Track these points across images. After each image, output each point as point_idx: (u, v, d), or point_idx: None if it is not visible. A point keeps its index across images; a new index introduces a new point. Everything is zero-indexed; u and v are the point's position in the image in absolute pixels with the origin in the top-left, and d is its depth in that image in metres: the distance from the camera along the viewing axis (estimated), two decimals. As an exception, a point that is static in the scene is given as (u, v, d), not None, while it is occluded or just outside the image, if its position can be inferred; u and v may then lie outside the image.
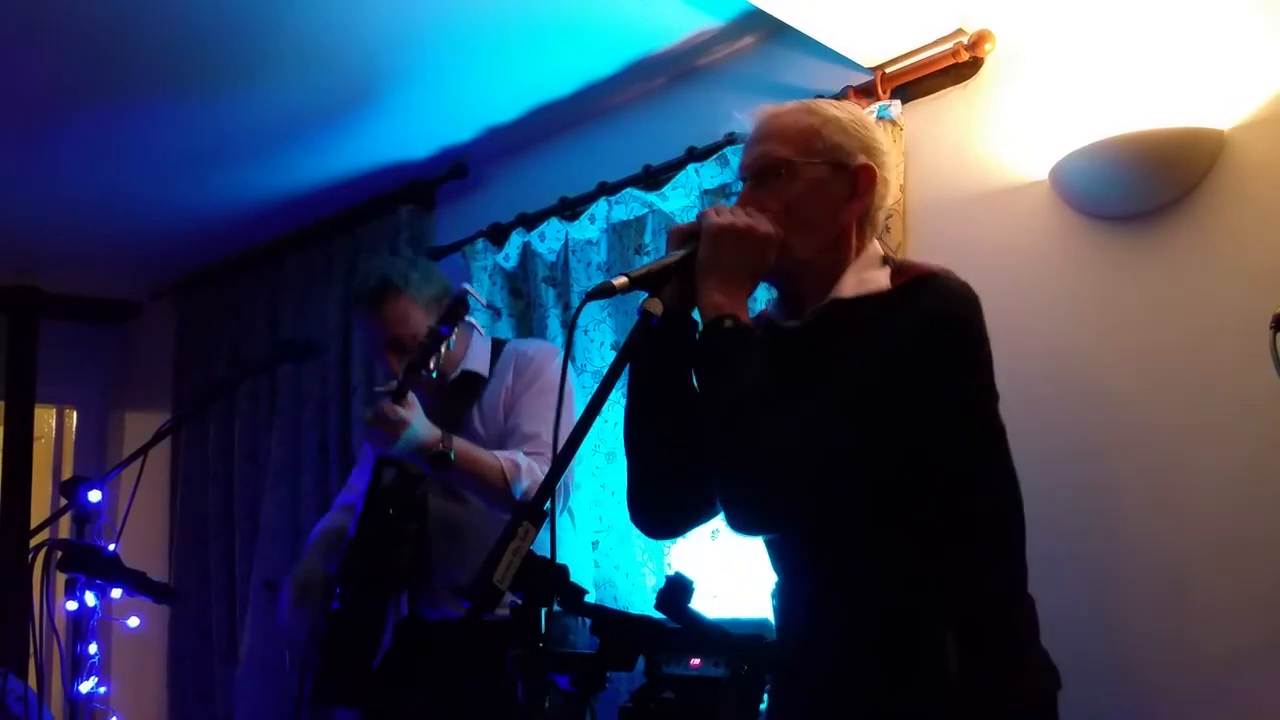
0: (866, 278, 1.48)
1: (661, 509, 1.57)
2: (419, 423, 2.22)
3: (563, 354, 2.51)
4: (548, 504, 1.20)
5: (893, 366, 1.35)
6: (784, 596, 1.55)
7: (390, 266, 2.52)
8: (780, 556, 1.55)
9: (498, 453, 2.33)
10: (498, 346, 2.59)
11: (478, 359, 2.53)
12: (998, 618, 1.39)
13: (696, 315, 1.48)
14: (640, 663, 1.33)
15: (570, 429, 1.27)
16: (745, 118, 1.59)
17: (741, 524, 1.39)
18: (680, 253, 1.43)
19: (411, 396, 2.22)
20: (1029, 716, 1.39)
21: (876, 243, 1.55)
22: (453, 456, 2.22)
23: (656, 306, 1.35)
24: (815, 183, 1.49)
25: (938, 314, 1.39)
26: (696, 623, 1.30)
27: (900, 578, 1.39)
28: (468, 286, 2.29)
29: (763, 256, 1.43)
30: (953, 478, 1.40)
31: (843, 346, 1.39)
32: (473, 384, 2.52)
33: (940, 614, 1.35)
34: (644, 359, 1.51)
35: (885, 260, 1.53)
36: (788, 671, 1.47)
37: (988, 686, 1.33)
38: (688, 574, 1.30)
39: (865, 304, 1.44)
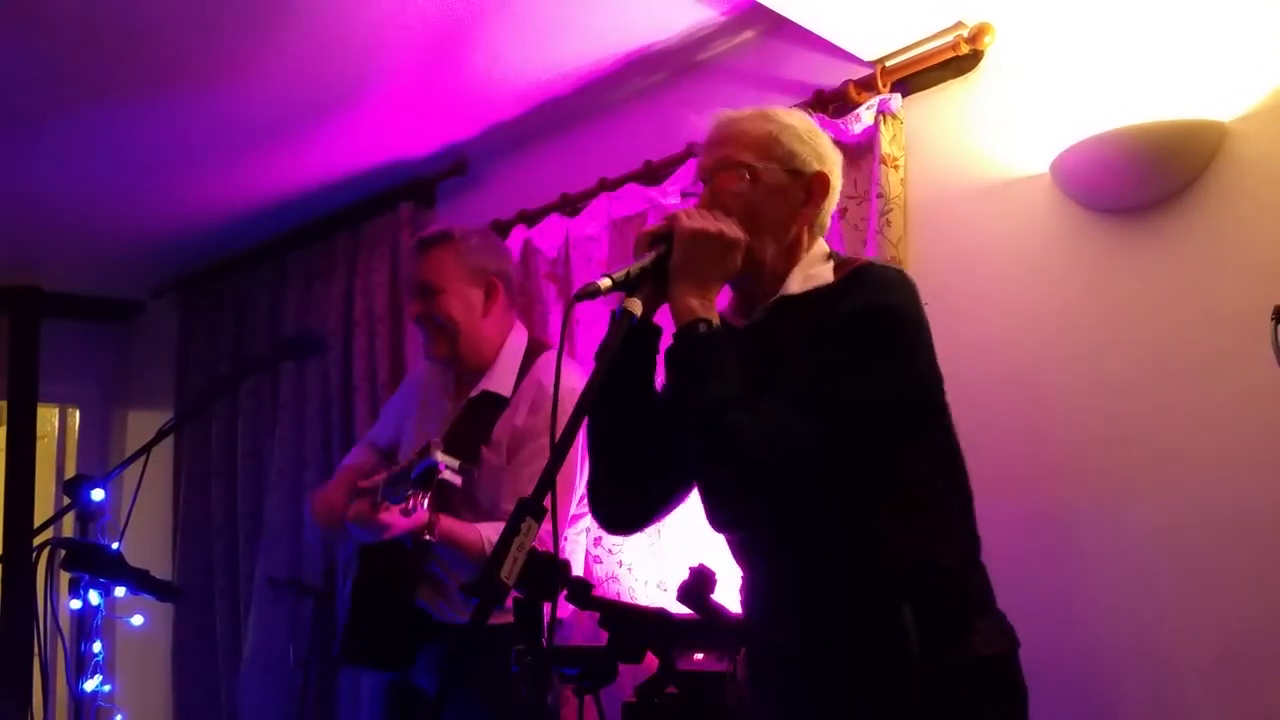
0: (812, 274, 1.54)
1: (622, 505, 1.62)
2: (399, 521, 2.18)
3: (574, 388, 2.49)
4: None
5: (843, 357, 1.40)
6: (750, 587, 1.59)
7: (460, 225, 2.53)
8: (742, 549, 1.59)
9: (480, 527, 2.29)
10: (529, 359, 2.48)
11: (502, 376, 2.46)
12: (950, 586, 1.44)
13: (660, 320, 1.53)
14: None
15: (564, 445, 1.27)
16: (702, 121, 1.62)
17: (723, 523, 1.46)
18: (652, 255, 1.47)
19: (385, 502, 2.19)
20: (985, 675, 1.44)
21: (822, 241, 1.61)
22: (433, 541, 2.22)
23: (636, 307, 1.40)
24: (774, 188, 1.54)
25: (877, 303, 1.44)
26: (718, 615, 1.31)
27: (856, 556, 1.44)
28: (439, 457, 2.14)
29: (731, 259, 1.48)
30: (906, 457, 1.45)
31: (792, 341, 1.46)
32: (491, 407, 2.44)
33: (896, 587, 1.40)
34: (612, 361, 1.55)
35: (830, 256, 1.59)
36: (759, 662, 1.53)
37: (944, 651, 1.39)
38: (710, 566, 1.31)
39: (810, 298, 1.51)
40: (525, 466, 2.35)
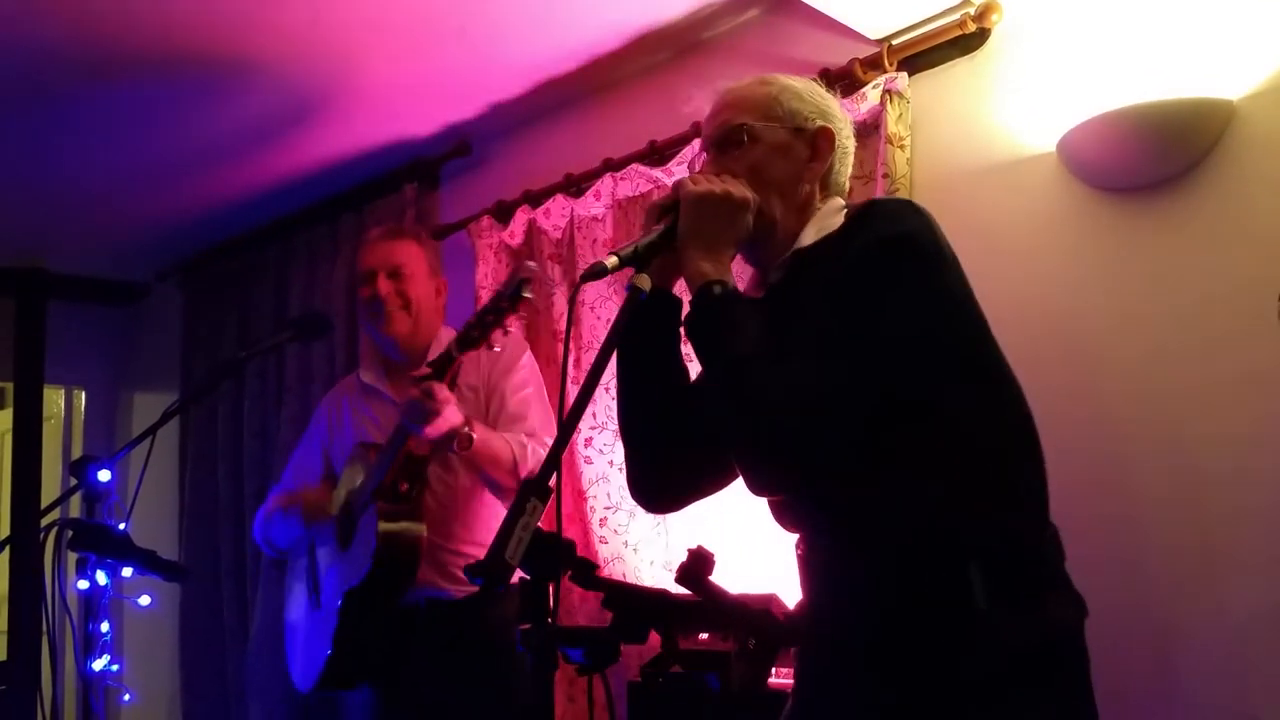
0: (824, 225, 1.50)
1: (660, 486, 1.59)
2: (453, 411, 2.29)
3: (527, 347, 2.59)
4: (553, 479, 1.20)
5: (860, 295, 1.33)
6: (807, 552, 1.52)
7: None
8: (795, 513, 1.52)
9: (504, 434, 2.40)
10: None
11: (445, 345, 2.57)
12: (1021, 548, 1.35)
13: (678, 291, 1.51)
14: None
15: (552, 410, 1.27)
16: (705, 97, 1.61)
17: (761, 484, 1.40)
18: (661, 226, 1.45)
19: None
20: (1055, 645, 1.36)
21: (838, 198, 1.57)
22: (475, 437, 2.31)
23: (645, 282, 1.37)
24: (776, 146, 1.51)
25: (888, 233, 1.37)
26: (717, 596, 1.31)
27: (918, 515, 1.35)
28: (532, 264, 2.32)
29: (741, 220, 1.45)
30: (956, 406, 1.35)
31: (809, 292, 1.41)
32: (444, 369, 2.48)
33: (963, 547, 1.32)
34: (632, 339, 1.52)
35: (844, 208, 1.54)
36: (817, 630, 1.46)
37: (1013, 617, 1.31)
38: (709, 547, 1.30)
39: (821, 246, 1.47)
40: (511, 397, 2.53)
